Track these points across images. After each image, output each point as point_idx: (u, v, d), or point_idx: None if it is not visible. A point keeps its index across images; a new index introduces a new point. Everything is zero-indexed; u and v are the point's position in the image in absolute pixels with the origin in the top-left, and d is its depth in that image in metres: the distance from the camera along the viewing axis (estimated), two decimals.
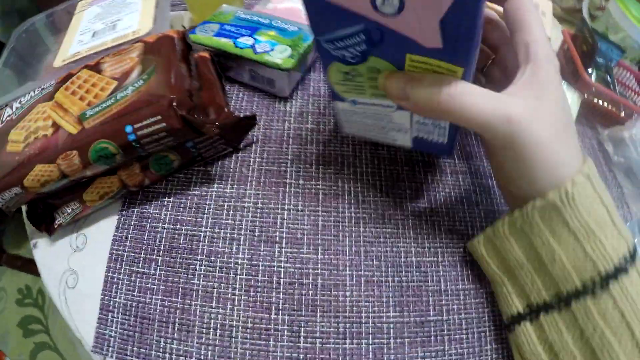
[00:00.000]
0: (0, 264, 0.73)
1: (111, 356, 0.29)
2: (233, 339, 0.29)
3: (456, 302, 0.31)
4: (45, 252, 0.33)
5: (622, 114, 0.44)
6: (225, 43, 0.36)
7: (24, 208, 0.34)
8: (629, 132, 0.41)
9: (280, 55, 0.34)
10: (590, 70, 0.44)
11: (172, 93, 0.29)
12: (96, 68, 0.32)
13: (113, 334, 0.30)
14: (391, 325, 0.30)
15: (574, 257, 0.24)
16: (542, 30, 0.26)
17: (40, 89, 0.33)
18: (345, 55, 0.25)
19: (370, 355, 0.29)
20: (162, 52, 0.31)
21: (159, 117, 0.28)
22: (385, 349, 0.29)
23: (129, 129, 0.28)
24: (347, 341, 0.29)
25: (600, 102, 0.43)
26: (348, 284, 0.31)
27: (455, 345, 0.30)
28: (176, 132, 0.29)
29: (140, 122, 0.28)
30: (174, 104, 0.28)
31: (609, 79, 0.45)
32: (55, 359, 0.69)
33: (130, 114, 0.29)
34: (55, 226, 0.33)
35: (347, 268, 0.31)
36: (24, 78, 0.36)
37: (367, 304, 0.30)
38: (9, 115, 0.33)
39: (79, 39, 0.36)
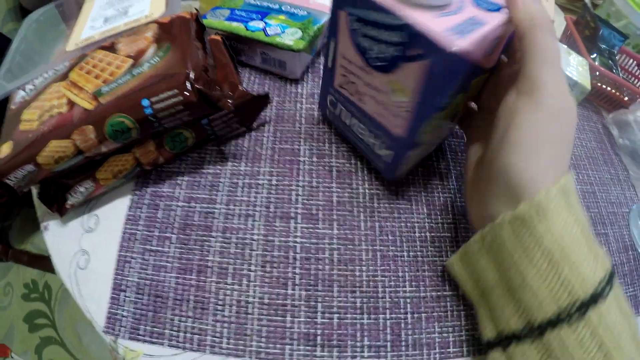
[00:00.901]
0: (7, 259, 0.72)
1: (123, 336, 0.28)
2: (249, 316, 0.29)
3: None
4: (56, 233, 0.33)
5: (626, 98, 0.45)
6: (236, 27, 0.36)
7: (35, 191, 0.33)
8: (633, 115, 0.42)
9: (291, 37, 0.35)
10: (593, 55, 0.45)
11: (188, 68, 0.29)
12: (111, 48, 0.32)
13: (125, 313, 0.29)
14: (408, 300, 0.30)
15: (548, 283, 0.21)
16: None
17: (53, 70, 0.33)
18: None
19: (388, 330, 0.29)
20: (176, 31, 0.32)
21: (176, 90, 0.28)
22: (402, 324, 0.29)
23: (145, 102, 0.28)
24: (365, 316, 0.29)
25: (604, 86, 0.44)
26: (364, 259, 0.31)
27: (472, 321, 0.30)
28: (193, 106, 0.29)
29: (156, 96, 0.28)
30: (190, 77, 0.28)
31: (611, 64, 0.45)
32: (61, 354, 0.68)
33: (146, 89, 0.29)
34: (67, 206, 0.32)
35: (363, 243, 0.31)
36: (35, 66, 0.37)
37: (383, 278, 0.30)
38: (22, 97, 0.33)
39: (91, 24, 0.36)
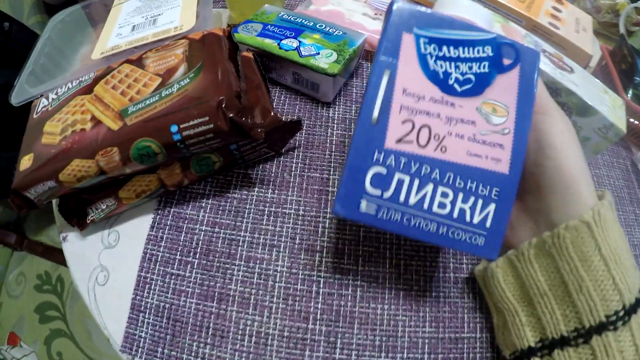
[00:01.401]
0: (22, 249, 0.72)
1: (140, 357, 0.29)
2: (268, 347, 0.28)
3: (490, 320, 0.31)
4: (76, 246, 0.32)
5: None
6: (269, 44, 0.35)
7: (54, 201, 0.33)
8: None
9: (326, 59, 0.34)
10: (628, 90, 0.43)
11: (220, 94, 0.28)
12: (138, 63, 0.31)
13: (143, 334, 0.29)
14: (426, 341, 0.30)
15: (602, 288, 0.23)
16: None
17: (77, 81, 0.32)
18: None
19: None
20: (208, 50, 0.31)
21: (207, 117, 0.27)
22: None
23: (174, 128, 0.28)
24: (383, 354, 0.29)
25: (636, 121, 0.43)
26: (387, 297, 0.30)
27: None
28: (223, 135, 0.28)
29: (186, 122, 0.27)
30: (223, 105, 0.27)
31: None
32: (70, 347, 0.69)
33: (175, 113, 0.28)
34: (88, 221, 0.32)
35: (387, 281, 0.31)
36: (59, 68, 0.35)
37: (404, 318, 0.30)
38: (44, 106, 0.32)
39: (118, 32, 0.35)
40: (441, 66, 0.23)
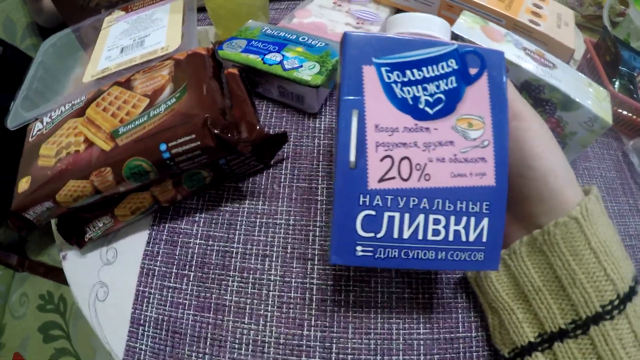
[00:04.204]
0: (23, 270, 0.73)
1: None
2: (265, 355, 0.29)
3: (485, 318, 0.31)
4: (75, 264, 0.33)
5: None
6: (253, 59, 0.36)
7: (53, 221, 0.34)
8: None
9: (309, 71, 0.34)
10: (614, 80, 0.44)
11: (205, 111, 0.29)
12: (127, 85, 0.32)
13: (144, 347, 0.30)
14: (421, 342, 0.30)
15: (595, 279, 0.23)
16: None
17: (70, 104, 0.34)
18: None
19: None
20: (193, 69, 0.32)
21: (193, 135, 0.28)
22: None
23: (163, 147, 0.29)
24: (378, 357, 0.29)
25: (624, 111, 0.43)
26: (379, 301, 0.31)
27: None
28: (210, 151, 0.29)
29: (174, 141, 0.28)
30: (208, 122, 0.28)
31: (632, 88, 0.45)
32: None
33: (164, 132, 0.29)
34: (86, 240, 0.33)
35: (379, 285, 0.31)
36: (53, 92, 0.36)
37: (398, 320, 0.31)
38: (39, 130, 0.33)
39: (107, 54, 0.36)
40: (408, 92, 0.22)
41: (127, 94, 0.32)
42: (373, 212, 0.22)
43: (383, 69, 0.22)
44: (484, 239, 0.23)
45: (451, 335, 0.31)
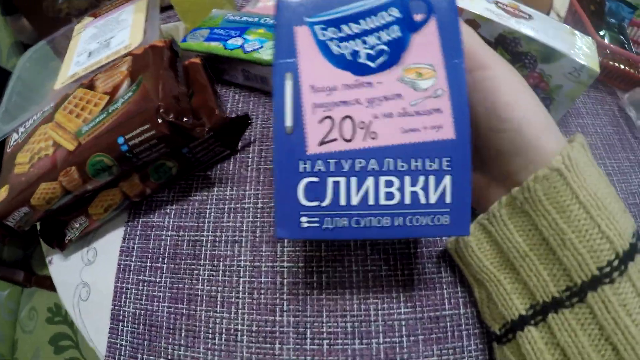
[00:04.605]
0: (31, 285, 0.77)
1: None
2: (238, 343, 0.28)
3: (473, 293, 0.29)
4: (60, 267, 0.34)
5: None
6: (215, 46, 0.35)
7: (38, 227, 0.35)
8: None
9: (269, 51, 0.34)
10: (602, 32, 0.40)
11: (158, 100, 0.29)
12: (90, 85, 0.33)
13: (124, 342, 0.30)
14: (403, 323, 0.28)
15: (588, 238, 0.20)
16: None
17: (41, 112, 0.35)
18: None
19: (382, 356, 0.27)
20: (149, 62, 0.32)
21: (148, 125, 0.28)
22: (397, 348, 0.28)
23: (120, 140, 0.29)
24: (356, 341, 0.28)
25: (617, 64, 0.39)
26: (354, 281, 0.29)
27: (475, 341, 0.28)
28: (166, 139, 0.29)
29: (130, 132, 0.28)
30: (161, 110, 0.28)
31: (623, 39, 0.40)
32: None
33: (121, 126, 0.29)
34: (66, 241, 0.34)
35: (353, 264, 0.30)
36: (32, 103, 0.38)
37: (375, 300, 0.29)
38: (15, 140, 0.35)
39: (77, 60, 0.37)
40: (346, 47, 0.21)
41: (89, 94, 0.32)
42: (315, 179, 0.21)
43: (317, 27, 0.21)
44: (448, 200, 0.21)
45: (436, 314, 0.29)
